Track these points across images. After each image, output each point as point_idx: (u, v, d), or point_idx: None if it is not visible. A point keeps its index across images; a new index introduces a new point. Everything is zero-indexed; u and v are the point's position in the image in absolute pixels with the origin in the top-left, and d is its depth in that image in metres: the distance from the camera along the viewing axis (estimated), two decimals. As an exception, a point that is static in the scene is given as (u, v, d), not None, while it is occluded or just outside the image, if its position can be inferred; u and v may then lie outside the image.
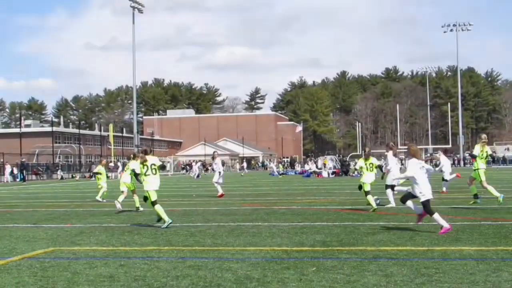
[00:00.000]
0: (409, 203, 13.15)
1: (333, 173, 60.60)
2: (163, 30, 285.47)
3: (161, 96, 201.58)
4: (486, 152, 18.98)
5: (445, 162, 27.04)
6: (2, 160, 71.37)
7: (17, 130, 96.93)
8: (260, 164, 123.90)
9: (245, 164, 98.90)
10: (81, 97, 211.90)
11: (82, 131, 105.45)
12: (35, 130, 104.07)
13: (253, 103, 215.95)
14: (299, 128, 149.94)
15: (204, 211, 19.23)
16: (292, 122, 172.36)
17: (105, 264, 9.49)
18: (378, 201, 18.58)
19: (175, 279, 8.28)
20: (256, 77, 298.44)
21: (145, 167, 14.76)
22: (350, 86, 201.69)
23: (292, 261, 9.57)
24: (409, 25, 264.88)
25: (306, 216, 16.81)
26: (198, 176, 64.53)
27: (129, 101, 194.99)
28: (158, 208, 14.68)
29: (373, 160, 19.19)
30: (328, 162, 70.21)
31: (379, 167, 19.73)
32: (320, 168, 64.88)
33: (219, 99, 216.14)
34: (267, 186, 38.95)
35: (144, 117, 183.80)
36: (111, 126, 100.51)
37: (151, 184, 14.79)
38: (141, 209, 19.51)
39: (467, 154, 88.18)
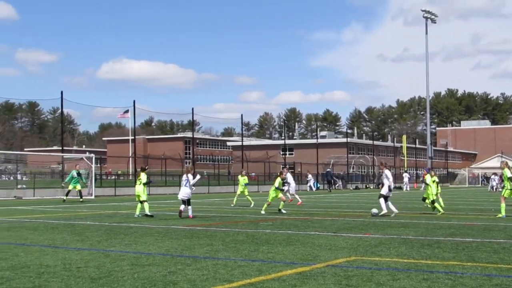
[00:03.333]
0: None
1: None
2: (456, 39, 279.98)
3: (454, 106, 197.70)
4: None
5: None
6: (299, 169, 74.82)
7: (313, 141, 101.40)
8: None
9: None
10: (374, 109, 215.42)
11: (375, 142, 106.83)
12: (330, 141, 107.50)
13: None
14: None
15: (505, 227, 18.36)
16: None
17: (407, 277, 9.42)
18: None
19: (482, 297, 7.99)
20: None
21: None
22: None
23: None
24: None
25: None
26: (495, 189, 62.12)
27: (422, 112, 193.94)
28: None
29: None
30: None
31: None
32: None
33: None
34: None
35: (437, 128, 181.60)
36: (404, 138, 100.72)
37: None
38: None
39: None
